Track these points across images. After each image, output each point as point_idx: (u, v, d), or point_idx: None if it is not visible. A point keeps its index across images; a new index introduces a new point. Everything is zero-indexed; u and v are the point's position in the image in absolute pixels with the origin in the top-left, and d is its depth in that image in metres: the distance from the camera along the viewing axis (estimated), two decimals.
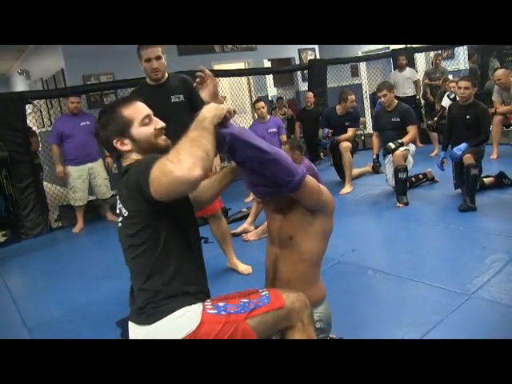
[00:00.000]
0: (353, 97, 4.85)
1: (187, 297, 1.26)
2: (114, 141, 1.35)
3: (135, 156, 1.35)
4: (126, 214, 1.29)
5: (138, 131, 1.36)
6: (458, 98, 3.93)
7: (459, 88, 3.69)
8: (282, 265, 1.58)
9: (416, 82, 6.31)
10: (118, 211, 1.35)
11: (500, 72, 5.05)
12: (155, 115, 2.26)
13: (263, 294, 1.36)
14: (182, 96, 2.57)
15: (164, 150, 1.30)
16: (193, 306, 1.25)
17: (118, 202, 1.33)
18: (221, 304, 1.29)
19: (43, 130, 6.74)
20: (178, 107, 2.52)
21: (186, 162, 1.08)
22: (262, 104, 5.03)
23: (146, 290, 1.27)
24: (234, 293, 1.37)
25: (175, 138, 2.43)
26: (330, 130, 4.86)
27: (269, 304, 1.32)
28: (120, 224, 1.34)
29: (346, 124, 4.86)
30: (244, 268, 2.82)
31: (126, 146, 1.35)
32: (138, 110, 1.38)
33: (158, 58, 2.47)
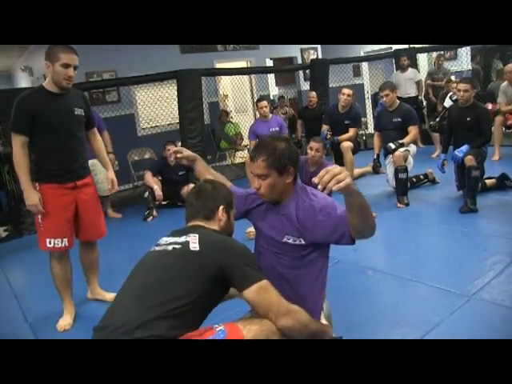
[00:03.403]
0: (346, 90, 4.82)
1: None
2: (222, 207, 1.51)
3: (217, 229, 1.49)
4: (195, 249, 1.32)
5: (232, 217, 1.57)
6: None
7: (458, 90, 3.69)
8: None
9: (418, 83, 6.30)
10: (167, 242, 1.38)
11: (511, 66, 5.02)
12: (59, 126, 2.32)
13: (218, 329, 1.29)
14: (82, 110, 2.43)
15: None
16: None
17: (185, 237, 1.37)
18: None
19: None
20: (80, 121, 2.42)
21: (290, 324, 1.31)
22: (264, 103, 5.03)
23: (147, 328, 1.21)
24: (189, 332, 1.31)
25: (74, 155, 2.41)
26: (329, 132, 4.87)
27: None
28: (170, 248, 1.35)
29: (346, 122, 4.85)
30: (111, 296, 2.54)
31: (223, 218, 1.51)
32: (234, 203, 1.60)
33: (76, 67, 2.33)
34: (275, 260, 1.59)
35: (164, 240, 1.42)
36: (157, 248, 1.40)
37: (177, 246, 1.34)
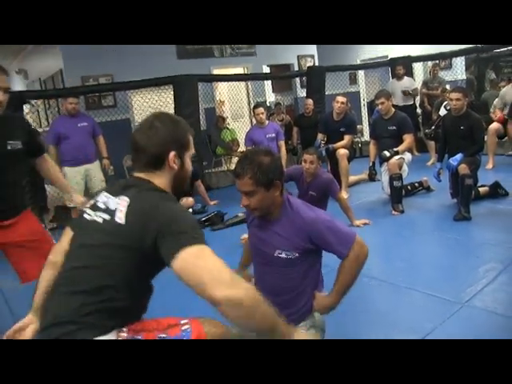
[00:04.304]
0: (339, 98, 4.85)
1: (100, 328, 1.13)
2: (172, 152, 1.24)
3: (165, 180, 1.26)
4: (120, 221, 1.14)
5: (187, 160, 1.30)
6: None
7: (451, 100, 3.72)
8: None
9: (414, 91, 6.36)
10: (104, 206, 1.20)
11: None
12: None
13: (184, 328, 1.22)
14: (19, 142, 1.99)
15: (181, 195, 1.29)
16: (106, 335, 1.12)
17: (117, 200, 1.18)
18: (137, 337, 1.16)
19: (40, 130, 6.73)
20: (15, 156, 1.98)
21: (239, 295, 1.03)
22: (261, 110, 5.04)
23: (72, 307, 1.13)
24: (153, 321, 1.23)
25: (10, 192, 2.06)
26: (323, 141, 4.89)
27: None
28: (100, 220, 1.18)
29: (341, 130, 4.87)
30: None
31: (175, 165, 1.25)
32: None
33: (7, 89, 1.91)
34: (267, 270, 1.62)
35: (102, 197, 1.24)
36: (88, 216, 1.22)
37: (106, 218, 1.17)
